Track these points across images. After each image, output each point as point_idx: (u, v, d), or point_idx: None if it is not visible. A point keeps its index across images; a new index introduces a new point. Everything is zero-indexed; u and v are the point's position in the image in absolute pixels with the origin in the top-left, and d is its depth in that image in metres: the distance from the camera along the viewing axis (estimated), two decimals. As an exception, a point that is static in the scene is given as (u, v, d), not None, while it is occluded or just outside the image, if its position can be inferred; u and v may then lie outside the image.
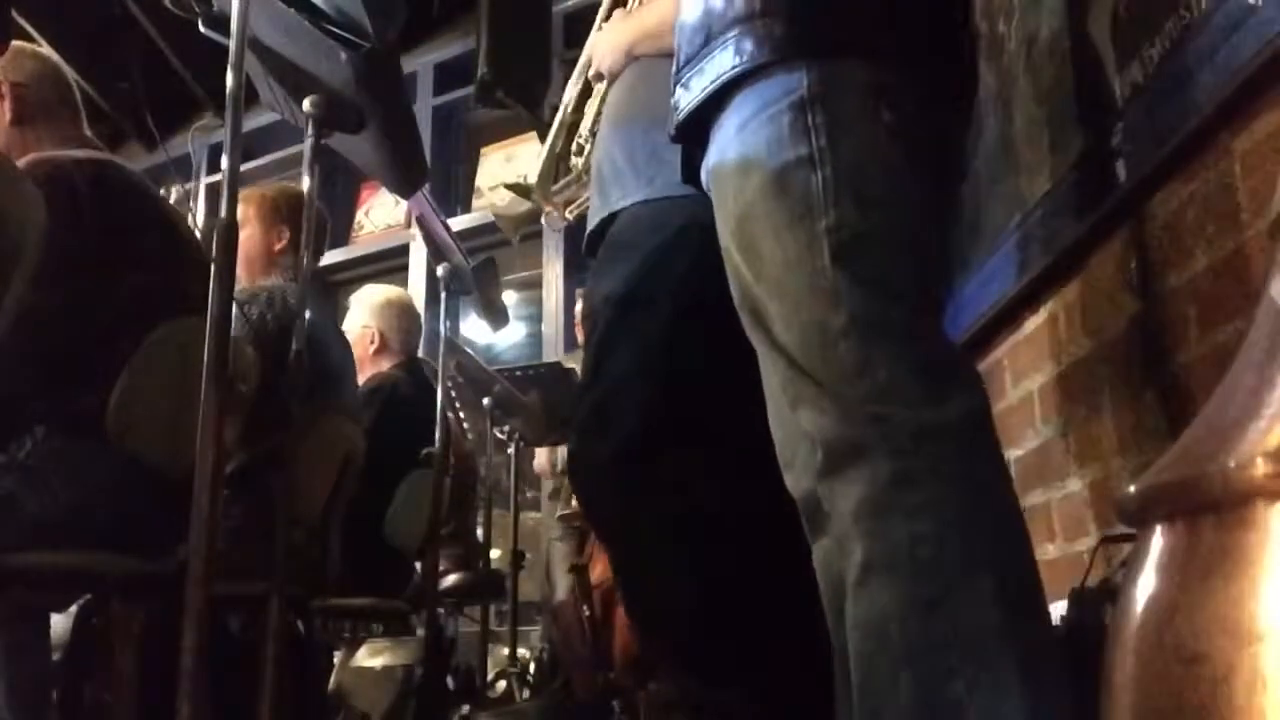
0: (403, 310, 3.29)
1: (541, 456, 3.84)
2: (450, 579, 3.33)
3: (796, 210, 1.02)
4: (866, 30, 1.07)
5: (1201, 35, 1.08)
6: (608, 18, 1.77)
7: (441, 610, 3.13)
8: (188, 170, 4.72)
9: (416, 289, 4.81)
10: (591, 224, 1.64)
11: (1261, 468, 0.48)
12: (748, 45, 1.07)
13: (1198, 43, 1.08)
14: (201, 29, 1.63)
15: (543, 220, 2.06)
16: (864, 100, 1.04)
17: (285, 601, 1.64)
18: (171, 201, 2.23)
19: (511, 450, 3.45)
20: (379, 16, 1.63)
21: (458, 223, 4.14)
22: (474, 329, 4.59)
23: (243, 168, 1.69)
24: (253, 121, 4.43)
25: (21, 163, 1.61)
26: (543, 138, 1.93)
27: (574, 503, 3.24)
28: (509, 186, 1.98)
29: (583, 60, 1.78)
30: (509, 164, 4.97)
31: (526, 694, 3.15)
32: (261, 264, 2.49)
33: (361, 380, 2.89)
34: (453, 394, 3.29)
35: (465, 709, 2.85)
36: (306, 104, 1.74)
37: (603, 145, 1.64)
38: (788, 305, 1.04)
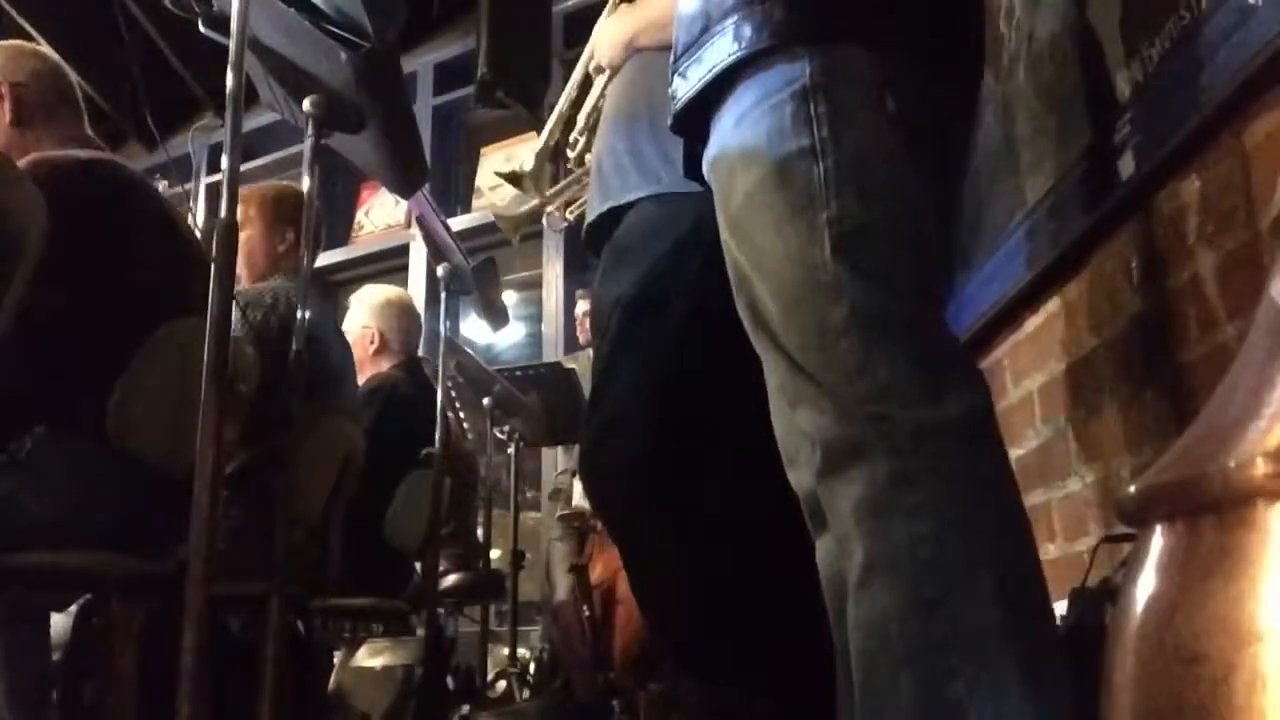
0: (403, 310, 3.29)
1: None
2: (450, 579, 3.32)
3: (798, 202, 1.01)
4: (867, 16, 1.05)
5: (1202, 35, 1.08)
6: (615, 9, 1.75)
7: (441, 610, 3.13)
8: (188, 170, 4.72)
9: (416, 289, 4.82)
10: (591, 216, 1.63)
11: (1261, 468, 0.48)
12: (747, 31, 1.05)
13: (1198, 43, 1.08)
14: (201, 29, 1.63)
15: (543, 221, 2.06)
16: (866, 90, 1.02)
17: (285, 601, 1.64)
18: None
19: (511, 450, 3.45)
20: (379, 16, 1.63)
21: (458, 223, 4.14)
22: (474, 329, 4.58)
23: (243, 168, 1.69)
24: (253, 121, 4.44)
25: (22, 163, 1.61)
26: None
27: (574, 503, 3.25)
28: (502, 175, 1.98)
29: (586, 53, 1.77)
30: (509, 164, 4.94)
31: (526, 694, 3.15)
32: (264, 265, 2.48)
33: (361, 380, 2.88)
34: (453, 394, 3.29)
35: (465, 709, 2.85)
36: (306, 104, 1.74)
37: (604, 138, 1.63)
38: (787, 303, 1.03)
